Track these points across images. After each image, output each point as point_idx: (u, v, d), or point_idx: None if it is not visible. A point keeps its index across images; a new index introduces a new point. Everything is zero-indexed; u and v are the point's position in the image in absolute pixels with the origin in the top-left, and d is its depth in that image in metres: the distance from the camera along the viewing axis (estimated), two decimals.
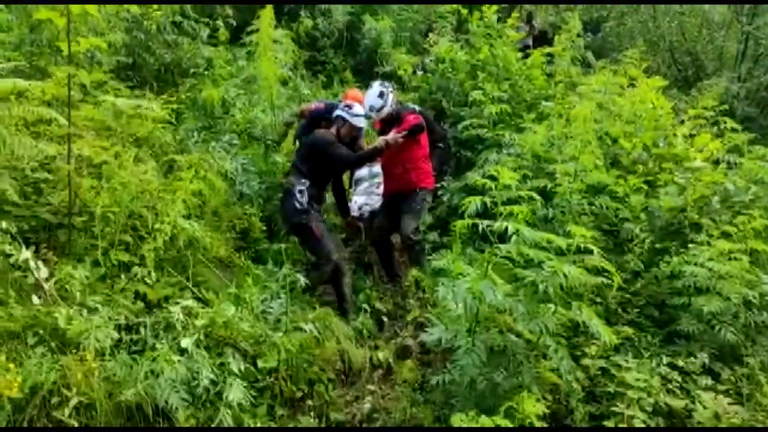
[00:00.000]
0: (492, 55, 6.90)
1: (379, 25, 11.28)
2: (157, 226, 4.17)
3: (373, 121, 5.98)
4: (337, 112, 5.56)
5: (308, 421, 4.02)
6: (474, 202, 3.63)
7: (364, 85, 10.57)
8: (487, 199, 3.63)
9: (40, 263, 3.56)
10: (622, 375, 3.98)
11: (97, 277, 3.86)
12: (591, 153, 4.86)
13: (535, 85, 6.90)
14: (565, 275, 3.50)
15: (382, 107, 5.67)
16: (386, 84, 6.48)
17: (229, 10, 9.60)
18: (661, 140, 6.20)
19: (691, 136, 6.27)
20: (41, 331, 3.34)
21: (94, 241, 4.04)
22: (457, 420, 3.25)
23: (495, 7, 7.21)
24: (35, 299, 3.42)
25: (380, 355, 4.71)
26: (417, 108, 6.82)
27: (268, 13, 6.83)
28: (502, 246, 3.74)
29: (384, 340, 5.03)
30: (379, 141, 5.33)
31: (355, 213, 6.11)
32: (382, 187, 6.13)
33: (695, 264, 4.64)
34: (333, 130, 5.49)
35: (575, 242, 3.68)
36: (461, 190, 6.09)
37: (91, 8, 4.02)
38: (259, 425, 3.73)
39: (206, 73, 8.26)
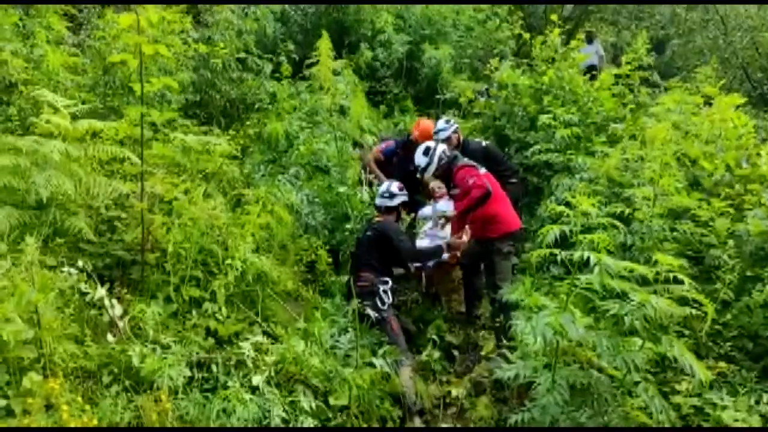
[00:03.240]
0: (557, 77, 6.71)
1: (438, 53, 11.25)
2: (228, 261, 4.16)
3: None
4: (382, 201, 5.44)
5: None
6: (552, 231, 3.46)
7: (423, 113, 10.59)
8: (566, 228, 3.45)
9: (114, 301, 3.59)
10: (719, 414, 3.70)
11: (169, 313, 3.87)
12: (671, 176, 4.61)
13: (604, 107, 6.66)
14: (653, 307, 3.28)
15: (427, 165, 5.58)
16: (444, 128, 6.28)
17: (291, 45, 9.75)
18: (743, 160, 5.85)
19: None
20: (116, 370, 3.35)
21: (166, 277, 4.06)
22: None
23: (558, 30, 7.04)
24: (110, 337, 3.44)
25: (454, 391, 4.55)
26: (483, 143, 6.64)
27: (325, 42, 6.87)
28: (581, 277, 3.55)
29: (455, 375, 4.86)
30: (443, 243, 5.21)
31: (417, 263, 5.71)
32: (448, 228, 5.97)
33: None
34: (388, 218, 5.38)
35: (662, 271, 3.45)
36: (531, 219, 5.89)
37: (162, 49, 4.09)
38: None
39: (270, 107, 8.38)
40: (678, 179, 4.89)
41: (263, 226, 4.79)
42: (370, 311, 4.24)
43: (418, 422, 4.27)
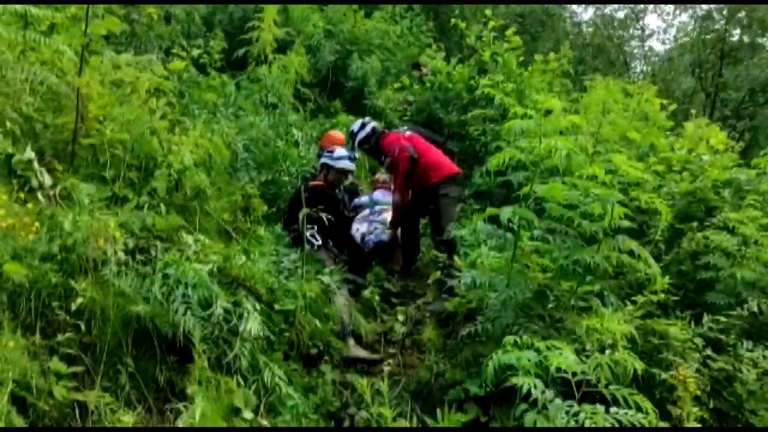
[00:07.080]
0: (492, 60, 6.92)
1: (366, 64, 11.34)
2: (170, 157, 3.85)
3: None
4: (322, 159, 5.51)
5: (328, 369, 3.63)
6: (518, 124, 3.46)
7: (354, 116, 10.54)
8: (532, 123, 3.47)
9: (43, 170, 3.21)
10: (665, 328, 3.73)
11: (103, 198, 3.48)
12: (610, 124, 4.77)
13: (537, 91, 6.87)
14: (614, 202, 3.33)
15: (359, 131, 5.67)
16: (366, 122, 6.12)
17: (220, 33, 9.50)
18: None
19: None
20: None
21: (100, 171, 3.69)
22: (510, 340, 2.92)
23: (493, 23, 7.28)
24: (40, 198, 3.05)
25: (397, 325, 4.37)
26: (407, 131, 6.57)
27: (271, 10, 6.72)
28: (541, 186, 3.54)
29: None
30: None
31: (357, 241, 5.71)
32: (385, 215, 5.89)
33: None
34: (320, 178, 5.46)
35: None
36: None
37: None
38: (276, 370, 3.32)
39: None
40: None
41: (202, 148, 4.49)
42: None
43: (352, 343, 4.09)
